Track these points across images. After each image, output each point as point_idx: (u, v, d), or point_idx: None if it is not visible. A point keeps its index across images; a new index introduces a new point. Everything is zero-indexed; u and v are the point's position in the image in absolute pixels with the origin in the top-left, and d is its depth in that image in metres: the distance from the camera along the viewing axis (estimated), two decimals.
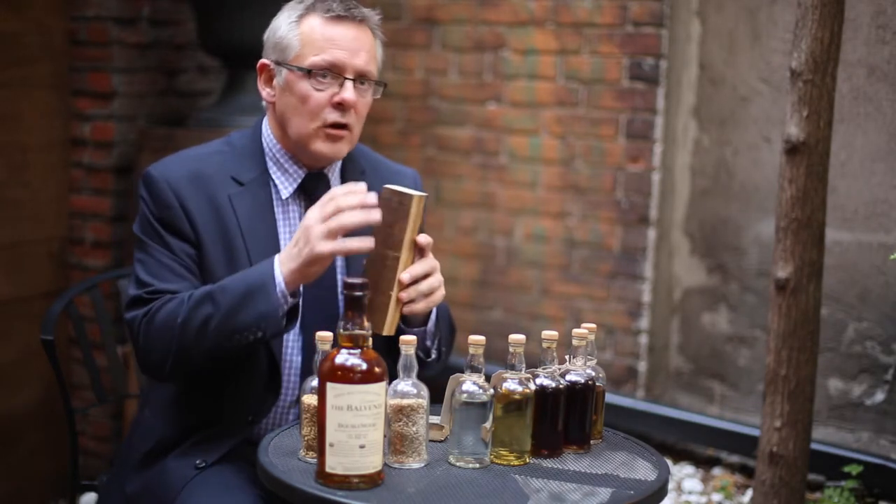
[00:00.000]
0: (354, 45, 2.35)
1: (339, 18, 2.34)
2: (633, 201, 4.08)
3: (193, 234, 2.33)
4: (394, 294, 2.20)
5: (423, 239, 2.23)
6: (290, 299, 2.23)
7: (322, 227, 2.16)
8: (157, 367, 2.29)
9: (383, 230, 2.21)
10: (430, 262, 2.25)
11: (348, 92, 2.33)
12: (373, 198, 2.18)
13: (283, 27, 2.38)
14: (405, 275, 2.21)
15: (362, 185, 2.19)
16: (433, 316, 2.40)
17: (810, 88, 3.05)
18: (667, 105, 4.05)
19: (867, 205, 3.72)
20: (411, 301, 2.23)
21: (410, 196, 2.18)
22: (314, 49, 2.33)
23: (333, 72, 2.33)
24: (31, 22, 3.81)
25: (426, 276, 2.24)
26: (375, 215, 2.18)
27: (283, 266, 2.21)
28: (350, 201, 2.17)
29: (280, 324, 2.22)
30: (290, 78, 2.35)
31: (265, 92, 2.42)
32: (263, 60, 2.42)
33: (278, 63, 2.38)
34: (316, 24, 2.35)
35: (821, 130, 3.07)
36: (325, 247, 2.16)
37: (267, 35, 2.42)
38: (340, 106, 2.33)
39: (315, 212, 2.18)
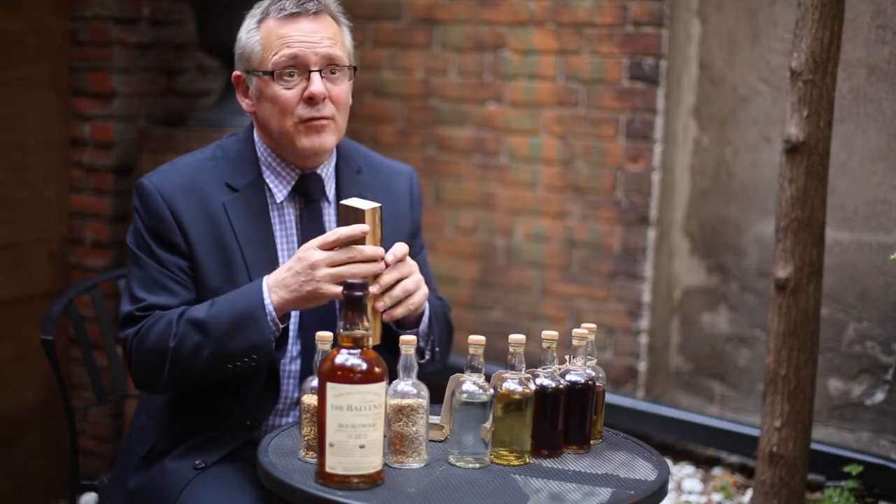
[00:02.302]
0: (313, 37, 2.33)
1: (292, 16, 2.34)
2: (633, 201, 4.08)
3: (186, 246, 2.33)
4: (368, 305, 2.20)
5: (391, 256, 2.23)
6: (280, 325, 2.25)
7: (331, 271, 2.17)
8: (150, 385, 2.33)
9: (347, 245, 2.22)
10: (401, 268, 2.25)
11: (315, 85, 2.32)
12: (380, 252, 2.20)
13: (244, 36, 2.39)
14: (374, 287, 2.21)
15: (366, 228, 2.19)
16: (425, 318, 2.40)
17: (810, 88, 3.05)
18: (667, 105, 4.05)
19: (867, 205, 3.72)
20: (390, 308, 2.24)
21: (363, 211, 2.18)
22: (273, 50, 2.33)
23: (298, 67, 2.33)
24: (31, 22, 3.81)
25: (398, 281, 2.24)
26: (381, 266, 2.20)
27: (274, 293, 2.22)
28: (366, 253, 2.18)
29: (272, 353, 2.24)
30: (260, 84, 2.36)
31: (244, 103, 2.43)
32: (235, 73, 2.42)
33: (248, 72, 2.38)
34: (272, 26, 2.35)
35: (821, 130, 3.07)
36: (332, 290, 2.17)
37: (235, 47, 2.43)
38: (311, 100, 2.33)
39: (320, 253, 2.18)
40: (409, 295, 2.25)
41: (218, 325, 2.22)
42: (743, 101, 3.98)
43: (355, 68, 2.42)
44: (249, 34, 2.37)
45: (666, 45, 4.00)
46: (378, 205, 2.21)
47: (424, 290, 2.30)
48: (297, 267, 2.19)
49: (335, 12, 2.40)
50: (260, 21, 2.36)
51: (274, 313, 2.22)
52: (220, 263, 2.33)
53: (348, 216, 2.21)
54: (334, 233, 2.19)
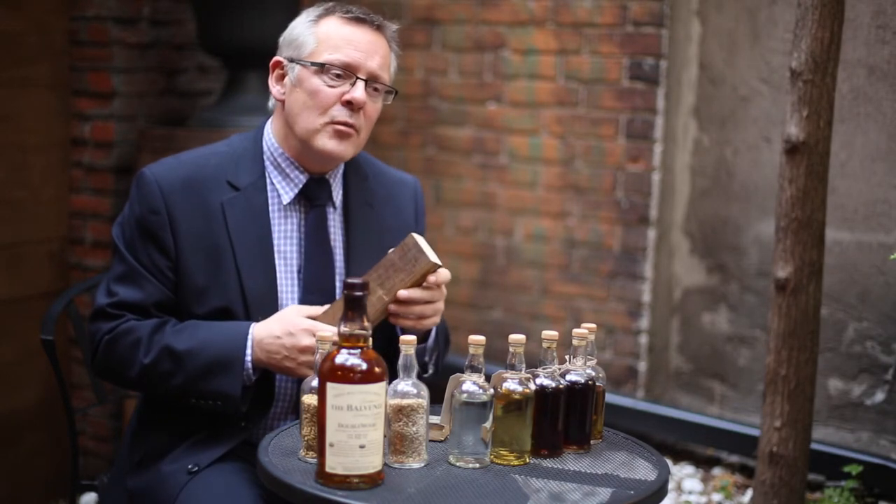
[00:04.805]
0: (370, 47, 2.36)
1: (357, 20, 2.37)
2: (633, 201, 4.08)
3: (173, 243, 2.32)
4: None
5: (432, 278, 2.27)
6: (253, 377, 2.28)
7: (310, 360, 2.21)
8: (112, 383, 2.42)
9: (386, 267, 2.26)
10: (434, 293, 2.29)
11: (359, 91, 2.33)
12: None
13: (300, 26, 2.40)
14: (404, 292, 2.24)
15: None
16: (433, 333, 2.41)
17: (810, 88, 3.05)
18: (667, 105, 4.05)
19: (867, 205, 3.72)
20: (397, 315, 2.28)
21: (427, 260, 2.23)
22: (330, 47, 2.34)
23: (347, 71, 2.34)
24: (31, 22, 3.81)
25: (424, 303, 2.28)
26: None
27: (255, 351, 2.25)
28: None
29: (237, 405, 2.27)
30: (303, 74, 2.36)
31: (276, 90, 2.42)
32: (277, 58, 2.42)
33: (292, 60, 2.38)
34: (333, 25, 2.36)
35: (821, 130, 3.07)
36: (307, 374, 2.21)
37: (283, 36, 2.44)
38: (349, 105, 2.33)
39: (312, 340, 2.21)
40: (422, 317, 2.29)
41: (194, 361, 2.25)
42: (743, 101, 3.98)
43: (396, 92, 2.45)
44: (307, 25, 2.38)
45: (666, 45, 4.00)
46: (440, 265, 2.26)
47: (436, 320, 2.34)
48: (286, 341, 2.22)
49: (391, 37, 2.43)
50: (321, 16, 2.38)
51: (251, 368, 2.26)
52: (208, 263, 2.33)
53: (411, 249, 2.24)
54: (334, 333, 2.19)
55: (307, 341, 2.21)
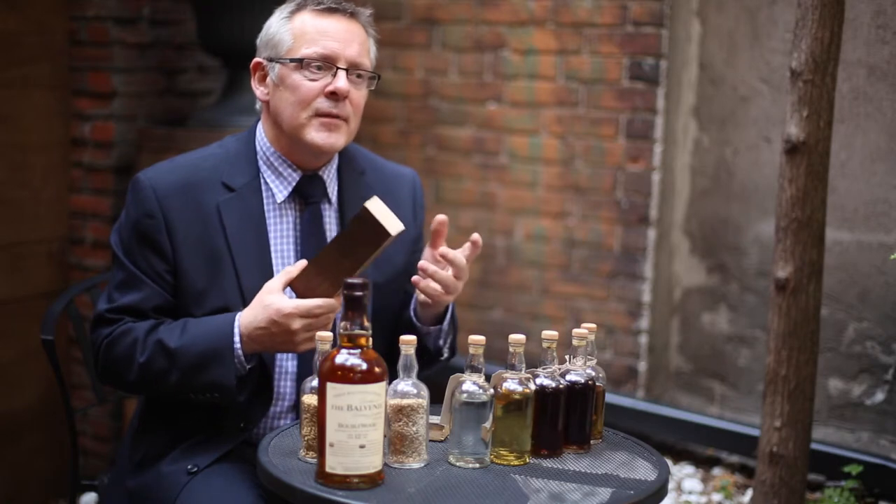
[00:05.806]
0: (346, 36, 2.35)
1: (329, 11, 2.36)
2: (633, 201, 4.08)
3: (170, 246, 2.32)
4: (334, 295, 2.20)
5: (477, 236, 2.39)
6: (247, 366, 2.27)
7: (310, 335, 2.19)
8: (116, 387, 2.45)
9: (349, 237, 2.14)
10: (465, 272, 2.36)
11: (341, 81, 2.33)
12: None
13: (275, 25, 2.40)
14: (444, 249, 2.33)
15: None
16: (448, 315, 2.42)
17: (810, 88, 3.05)
18: (667, 105, 4.05)
19: (867, 205, 3.72)
20: (421, 283, 2.32)
21: (386, 233, 2.09)
22: (306, 41, 2.34)
23: (326, 62, 2.34)
24: (31, 22, 3.81)
25: (455, 273, 2.33)
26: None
27: (247, 344, 2.24)
28: (336, 307, 2.19)
29: (233, 394, 2.26)
30: (283, 72, 2.36)
31: (259, 91, 2.43)
32: (256, 59, 2.43)
33: (271, 59, 2.39)
34: (307, 18, 2.36)
35: (821, 130, 3.07)
36: (310, 346, 2.20)
37: (260, 36, 2.44)
38: (333, 96, 2.33)
39: (299, 322, 2.18)
40: (444, 288, 2.33)
41: (186, 356, 2.25)
42: (743, 101, 3.98)
43: (379, 77, 2.44)
44: (281, 23, 2.38)
45: (666, 45, 4.00)
46: (402, 228, 2.11)
47: (451, 297, 2.36)
48: (275, 329, 2.20)
49: (366, 23, 2.42)
50: (293, 12, 2.38)
51: (242, 356, 2.25)
52: (207, 266, 2.33)
53: (371, 217, 2.09)
54: (319, 307, 2.17)
55: (296, 325, 2.18)
